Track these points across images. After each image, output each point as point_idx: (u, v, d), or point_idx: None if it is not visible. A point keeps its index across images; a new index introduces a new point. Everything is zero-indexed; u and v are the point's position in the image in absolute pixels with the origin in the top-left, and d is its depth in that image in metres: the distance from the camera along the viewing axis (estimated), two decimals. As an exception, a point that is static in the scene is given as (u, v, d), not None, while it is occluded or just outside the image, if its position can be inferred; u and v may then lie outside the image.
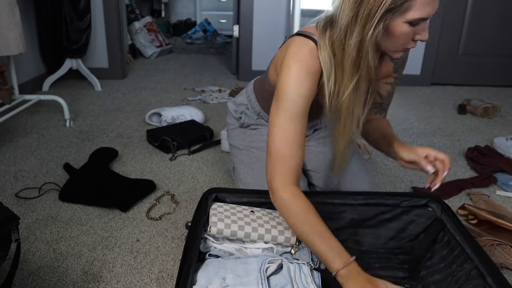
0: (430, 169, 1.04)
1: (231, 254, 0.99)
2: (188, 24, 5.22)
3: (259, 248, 1.00)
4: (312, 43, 0.98)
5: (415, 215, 1.12)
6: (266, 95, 1.23)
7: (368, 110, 1.09)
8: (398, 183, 1.64)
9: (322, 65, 0.96)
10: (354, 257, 0.89)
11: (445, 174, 1.03)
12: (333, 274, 0.88)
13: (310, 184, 1.35)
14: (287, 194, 0.95)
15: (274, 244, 1.01)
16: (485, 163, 1.77)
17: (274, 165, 0.97)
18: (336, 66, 0.96)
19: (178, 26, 5.15)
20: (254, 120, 1.36)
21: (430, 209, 1.12)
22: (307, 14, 2.63)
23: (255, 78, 1.38)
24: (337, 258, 0.88)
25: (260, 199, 1.12)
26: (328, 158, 1.31)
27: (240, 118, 1.39)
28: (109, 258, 1.16)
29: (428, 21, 0.91)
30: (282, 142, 0.98)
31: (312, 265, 0.99)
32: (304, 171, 1.34)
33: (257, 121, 1.36)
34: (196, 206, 1.08)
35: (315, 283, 0.89)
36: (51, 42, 2.78)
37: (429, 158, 1.05)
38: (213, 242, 1.00)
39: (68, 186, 1.49)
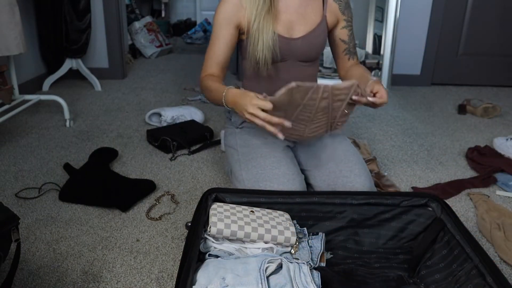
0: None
1: (231, 254, 0.99)
2: (188, 24, 5.22)
3: (259, 248, 1.00)
4: None
5: (415, 215, 1.12)
6: (247, 72, 1.39)
7: (337, 58, 1.41)
8: (398, 183, 1.64)
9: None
10: (228, 87, 1.17)
11: (369, 99, 1.12)
12: (225, 105, 1.18)
13: (307, 184, 1.35)
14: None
15: (274, 244, 1.01)
16: (485, 163, 1.77)
17: (202, 72, 1.32)
18: None
19: (178, 26, 5.16)
20: None
21: (430, 208, 1.12)
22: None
23: None
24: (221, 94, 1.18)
25: (260, 199, 1.12)
26: (319, 156, 1.35)
27: (231, 118, 1.44)
28: (109, 258, 1.16)
29: None
30: (208, 61, 1.31)
31: (311, 264, 0.99)
32: (301, 171, 1.36)
33: None
34: (196, 206, 1.08)
35: (315, 283, 0.89)
36: (51, 42, 2.77)
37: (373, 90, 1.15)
38: (213, 242, 1.00)
39: (68, 186, 1.49)
